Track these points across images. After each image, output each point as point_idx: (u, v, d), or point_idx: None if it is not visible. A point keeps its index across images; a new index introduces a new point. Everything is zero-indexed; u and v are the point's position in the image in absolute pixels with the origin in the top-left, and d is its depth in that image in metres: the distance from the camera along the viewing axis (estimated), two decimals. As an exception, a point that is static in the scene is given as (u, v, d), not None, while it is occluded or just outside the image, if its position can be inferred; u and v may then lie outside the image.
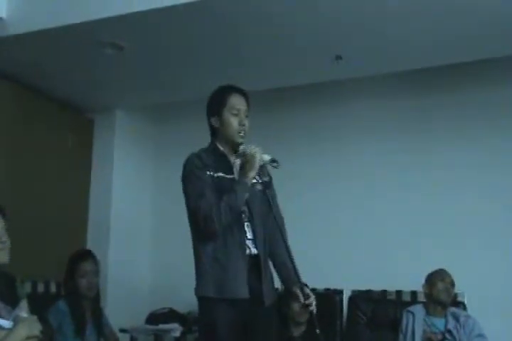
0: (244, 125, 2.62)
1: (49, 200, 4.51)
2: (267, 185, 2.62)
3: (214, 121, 2.67)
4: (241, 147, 2.58)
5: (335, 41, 3.78)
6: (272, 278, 2.64)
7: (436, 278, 3.70)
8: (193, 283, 4.54)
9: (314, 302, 2.53)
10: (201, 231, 2.49)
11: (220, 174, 2.57)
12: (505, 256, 4.09)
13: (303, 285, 2.55)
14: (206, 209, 2.44)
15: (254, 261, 2.53)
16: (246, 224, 2.56)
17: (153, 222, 5.28)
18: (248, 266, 2.50)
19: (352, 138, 4.67)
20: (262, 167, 2.57)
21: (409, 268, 4.01)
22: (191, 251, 4.83)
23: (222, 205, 2.43)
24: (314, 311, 2.52)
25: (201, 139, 5.15)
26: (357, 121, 4.70)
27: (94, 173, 5.03)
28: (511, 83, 4.37)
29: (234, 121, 2.61)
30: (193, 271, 4.58)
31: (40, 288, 4.04)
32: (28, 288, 3.95)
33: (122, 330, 4.07)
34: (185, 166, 2.63)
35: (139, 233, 5.16)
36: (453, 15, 3.41)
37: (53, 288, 4.05)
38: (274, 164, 2.55)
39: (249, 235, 2.55)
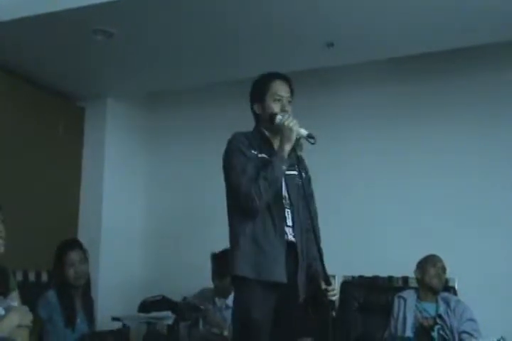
0: (286, 111, 2.60)
1: (39, 189, 4.49)
2: (306, 173, 2.62)
3: (257, 107, 2.66)
4: (278, 117, 2.55)
5: (326, 28, 3.77)
6: (305, 269, 2.62)
7: (428, 264, 3.72)
8: (185, 270, 4.62)
9: (336, 292, 2.56)
10: (242, 209, 2.46)
11: (264, 155, 2.56)
12: (495, 242, 4.11)
13: (328, 278, 2.53)
14: (247, 187, 2.42)
15: (291, 249, 2.51)
16: (286, 210, 2.55)
17: (146, 210, 5.27)
18: (285, 253, 2.49)
19: (343, 125, 4.66)
20: (298, 141, 2.53)
21: (401, 253, 4.02)
22: (184, 239, 4.92)
23: (261, 181, 2.42)
24: (334, 299, 2.55)
25: (192, 126, 5.22)
26: (349, 108, 4.69)
27: (85, 162, 5.00)
28: (502, 69, 4.37)
29: (276, 108, 2.60)
30: (185, 259, 4.67)
31: (31, 277, 4.04)
32: (19, 277, 3.94)
33: (115, 319, 4.06)
34: (230, 142, 2.59)
35: (131, 221, 5.15)
36: (444, 1, 3.40)
37: (44, 278, 4.04)
38: (311, 140, 2.51)
39: (288, 222, 2.54)
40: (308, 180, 2.72)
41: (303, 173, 2.64)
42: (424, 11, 3.51)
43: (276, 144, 2.63)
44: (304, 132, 2.51)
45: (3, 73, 4.30)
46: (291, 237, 2.52)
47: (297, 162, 2.55)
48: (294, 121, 2.50)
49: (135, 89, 5.07)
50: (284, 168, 2.49)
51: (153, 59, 4.30)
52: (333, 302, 2.54)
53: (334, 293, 2.53)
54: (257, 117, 2.69)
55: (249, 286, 2.42)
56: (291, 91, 2.67)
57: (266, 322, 2.41)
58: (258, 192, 2.41)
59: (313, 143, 2.51)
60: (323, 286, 2.51)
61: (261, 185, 2.42)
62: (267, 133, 2.65)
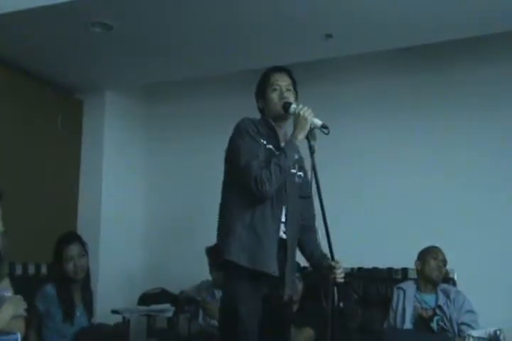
0: (284, 97, 2.59)
1: (38, 182, 4.48)
2: (312, 153, 2.56)
3: (260, 103, 2.69)
4: (293, 106, 2.54)
5: (325, 20, 3.76)
6: (294, 268, 2.63)
7: (429, 256, 3.72)
8: (184, 263, 4.63)
9: (342, 279, 2.55)
10: (250, 191, 2.42)
11: (270, 147, 2.55)
12: (494, 233, 4.12)
13: (334, 258, 2.55)
14: (258, 170, 2.40)
15: (281, 245, 2.50)
16: (283, 206, 2.53)
17: (145, 203, 5.27)
18: (277, 248, 2.48)
19: (343, 116, 4.65)
20: (311, 131, 2.52)
21: (400, 245, 4.03)
22: (183, 231, 4.92)
23: (273, 166, 2.41)
24: (342, 280, 2.55)
25: (191, 119, 5.22)
26: (348, 99, 4.70)
27: (84, 155, 5.00)
28: (501, 60, 4.36)
29: (274, 97, 2.61)
30: (184, 252, 4.68)
31: (31, 270, 4.04)
32: (18, 270, 3.95)
33: (114, 311, 4.07)
34: (239, 126, 2.56)
35: (131, 214, 5.15)
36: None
37: (44, 270, 4.04)
38: (325, 130, 2.49)
39: (282, 218, 2.53)
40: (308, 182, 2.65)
41: (303, 173, 2.66)
42: (423, 2, 3.50)
43: (281, 136, 2.64)
44: (318, 122, 2.51)
45: (2, 66, 4.29)
46: (282, 234, 2.52)
47: (310, 152, 2.53)
48: (309, 111, 2.49)
49: (134, 82, 5.05)
50: (296, 156, 2.50)
51: (153, 51, 4.29)
52: (339, 284, 2.54)
53: (342, 275, 2.54)
54: (261, 112, 2.71)
55: (240, 274, 2.41)
56: (293, 81, 2.68)
57: (254, 311, 2.40)
58: (269, 177, 2.39)
59: (326, 133, 2.49)
60: (333, 264, 2.53)
61: (273, 170, 2.40)
62: (273, 123, 2.65)
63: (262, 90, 2.66)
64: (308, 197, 2.63)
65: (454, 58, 4.45)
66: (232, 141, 2.56)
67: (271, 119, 2.65)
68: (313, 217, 2.65)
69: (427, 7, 3.56)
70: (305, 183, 2.63)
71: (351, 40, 4.05)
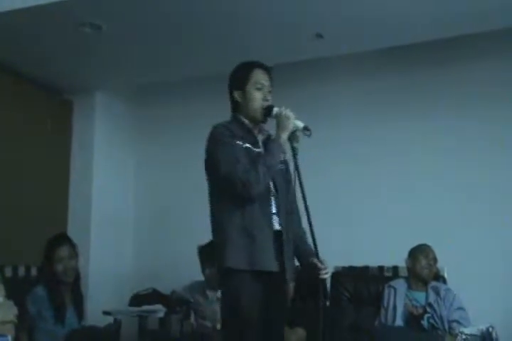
0: (267, 100, 2.61)
1: (28, 184, 4.46)
2: (294, 154, 2.57)
3: (237, 95, 2.65)
4: (275, 108, 2.57)
5: (315, 19, 3.77)
6: (293, 255, 2.63)
7: (420, 254, 3.73)
8: (175, 264, 4.62)
9: (327, 275, 2.57)
10: (238, 196, 2.44)
11: (248, 145, 2.56)
12: (484, 231, 4.15)
13: (320, 258, 2.55)
14: (243, 174, 2.41)
15: (277, 236, 2.52)
16: (271, 198, 2.55)
17: (136, 205, 5.27)
18: (272, 241, 2.50)
19: (333, 116, 4.68)
20: (294, 133, 2.55)
21: (391, 243, 4.05)
22: (174, 232, 4.92)
23: (260, 167, 2.43)
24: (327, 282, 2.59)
25: (181, 120, 5.21)
26: (339, 99, 4.71)
27: (73, 156, 4.99)
28: (496, 58, 4.38)
29: (258, 96, 2.61)
30: (176, 253, 4.67)
31: (21, 272, 4.02)
32: (8, 272, 3.92)
33: (105, 313, 4.06)
34: (213, 134, 2.57)
35: (121, 215, 5.15)
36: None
37: (34, 272, 4.02)
38: (307, 132, 2.53)
39: (273, 209, 2.55)
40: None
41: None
42: (413, 0, 3.53)
43: (256, 132, 2.64)
44: (300, 124, 2.55)
45: (-11, 66, 4.28)
46: (277, 225, 2.53)
47: (293, 153, 2.55)
48: (292, 113, 2.53)
49: (124, 83, 5.05)
50: (282, 155, 2.53)
51: (143, 52, 4.29)
52: (324, 280, 2.56)
53: (327, 271, 2.55)
54: (235, 105, 2.69)
55: (239, 276, 2.43)
56: (271, 81, 2.68)
57: (256, 310, 2.42)
58: (258, 179, 2.41)
59: (308, 135, 2.53)
60: (318, 265, 2.53)
61: (260, 171, 2.42)
62: (246, 122, 2.65)
63: (242, 83, 2.63)
64: (290, 181, 2.65)
65: (447, 56, 4.46)
66: (209, 152, 2.58)
67: (244, 117, 2.64)
68: (296, 209, 2.65)
69: (419, 5, 3.57)
70: (286, 168, 2.67)
71: (342, 39, 4.06)
